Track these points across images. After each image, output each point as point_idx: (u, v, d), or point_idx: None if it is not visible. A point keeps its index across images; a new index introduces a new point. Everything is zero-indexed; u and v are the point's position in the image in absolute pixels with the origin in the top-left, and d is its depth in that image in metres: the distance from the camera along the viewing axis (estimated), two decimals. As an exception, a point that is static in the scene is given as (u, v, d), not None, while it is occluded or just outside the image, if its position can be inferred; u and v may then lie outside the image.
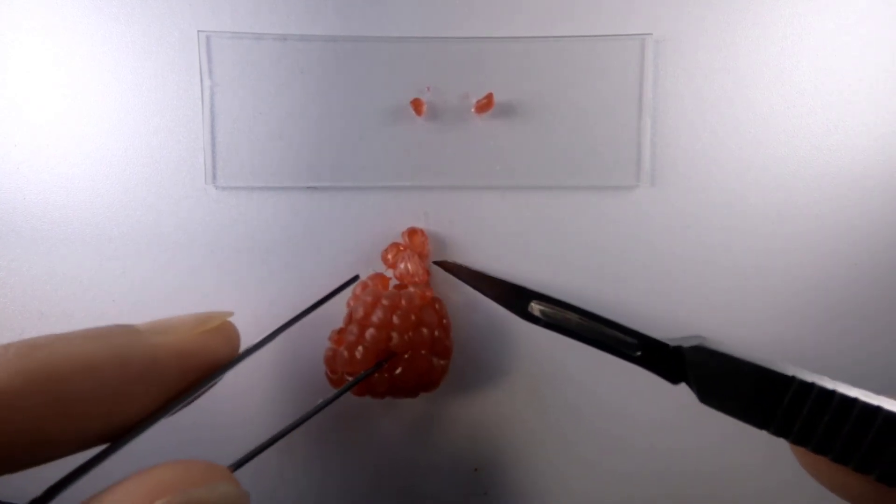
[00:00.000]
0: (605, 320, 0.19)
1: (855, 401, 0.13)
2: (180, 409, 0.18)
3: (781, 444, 0.16)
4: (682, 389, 0.17)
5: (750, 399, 0.15)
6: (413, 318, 0.23)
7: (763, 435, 0.16)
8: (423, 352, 0.23)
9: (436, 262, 0.25)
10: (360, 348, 0.23)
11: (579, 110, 0.26)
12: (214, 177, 0.26)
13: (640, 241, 0.26)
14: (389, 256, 0.26)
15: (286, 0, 0.26)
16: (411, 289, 0.24)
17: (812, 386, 0.14)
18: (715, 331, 0.26)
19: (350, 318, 0.24)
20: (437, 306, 0.24)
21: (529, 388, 0.27)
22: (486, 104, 0.26)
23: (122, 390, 0.16)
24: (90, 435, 0.15)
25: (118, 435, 0.16)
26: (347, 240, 0.26)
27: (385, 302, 0.23)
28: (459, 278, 0.23)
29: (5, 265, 0.26)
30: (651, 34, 0.26)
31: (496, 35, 0.26)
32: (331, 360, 0.24)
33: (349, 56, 0.26)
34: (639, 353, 0.18)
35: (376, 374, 0.23)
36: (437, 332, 0.24)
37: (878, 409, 0.13)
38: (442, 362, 0.24)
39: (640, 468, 0.27)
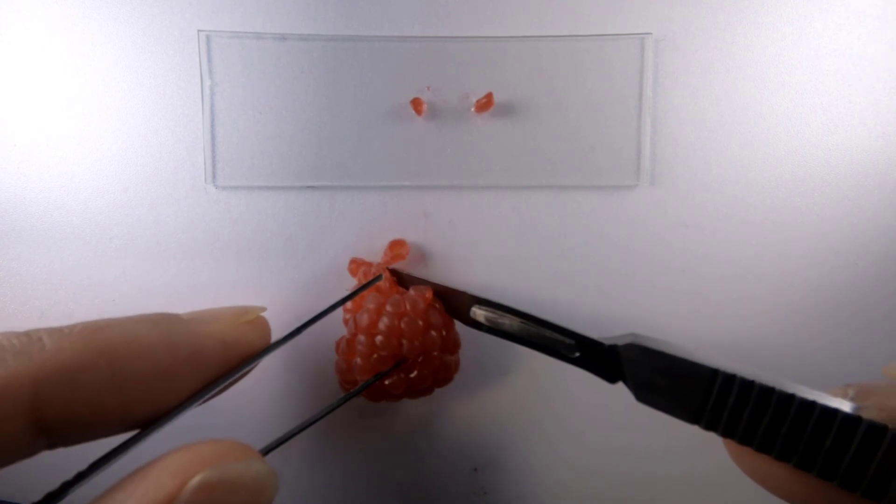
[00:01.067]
0: (544, 322, 0.19)
1: (772, 390, 0.13)
2: (213, 396, 0.18)
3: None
4: None
5: (681, 395, 0.15)
6: (420, 322, 0.23)
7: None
8: (435, 353, 0.23)
9: (389, 269, 0.25)
10: (374, 356, 0.23)
11: (579, 110, 0.26)
12: (214, 176, 0.26)
13: (640, 241, 0.26)
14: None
15: (286, 0, 0.26)
16: (412, 291, 0.24)
17: (734, 378, 0.14)
18: (715, 331, 0.26)
19: (356, 327, 0.24)
20: (437, 305, 0.24)
21: (529, 388, 0.27)
22: (486, 104, 0.26)
23: (170, 373, 0.16)
24: (139, 414, 0.16)
25: (154, 420, 0.17)
26: (347, 240, 0.26)
27: (389, 309, 0.23)
28: (400, 283, 0.23)
29: (5, 265, 0.26)
30: (651, 34, 0.26)
31: (496, 35, 0.26)
32: (344, 370, 0.24)
33: (349, 56, 0.26)
34: (577, 354, 0.18)
35: (393, 378, 0.23)
36: (444, 331, 0.24)
37: (791, 396, 0.13)
38: (453, 357, 0.24)
39: (641, 468, 0.27)
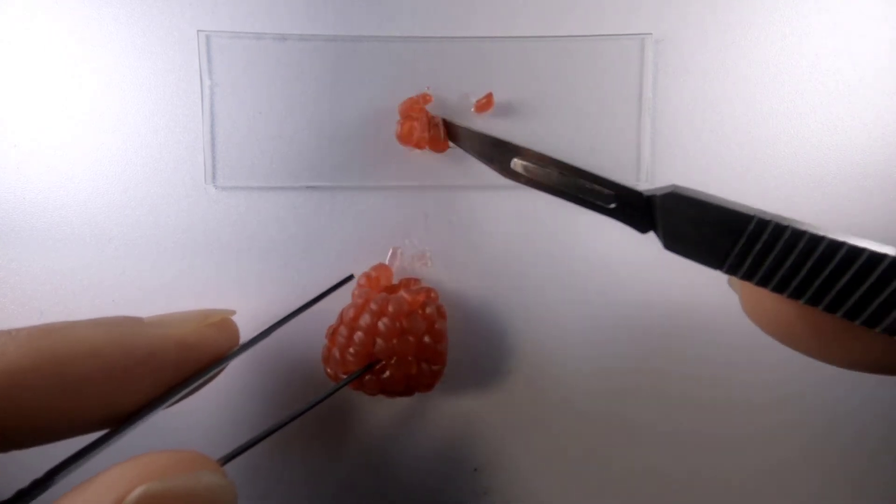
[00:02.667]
0: (584, 172, 0.19)
1: (803, 233, 0.14)
2: (180, 399, 0.18)
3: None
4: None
5: (710, 240, 0.16)
6: (398, 325, 0.23)
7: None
8: (409, 358, 0.23)
9: (444, 119, 0.24)
10: (350, 350, 0.23)
11: (579, 110, 0.26)
12: (214, 176, 0.26)
13: (640, 241, 0.26)
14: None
15: (286, 0, 0.26)
16: (403, 293, 0.24)
17: (767, 223, 0.15)
18: (712, 328, 0.26)
19: (341, 319, 0.24)
20: (426, 311, 0.24)
21: (529, 388, 0.27)
22: (486, 104, 0.26)
23: (123, 376, 0.16)
24: (92, 418, 0.16)
25: (118, 422, 0.16)
26: (347, 240, 0.26)
27: (373, 307, 0.23)
28: (449, 137, 0.23)
29: (5, 265, 0.26)
30: (651, 34, 0.26)
31: (496, 35, 0.26)
32: (326, 358, 0.24)
33: (349, 56, 0.26)
34: (613, 206, 0.19)
35: (367, 376, 0.23)
36: (427, 339, 0.23)
37: (821, 238, 0.14)
38: (434, 368, 0.24)
39: (641, 468, 0.27)
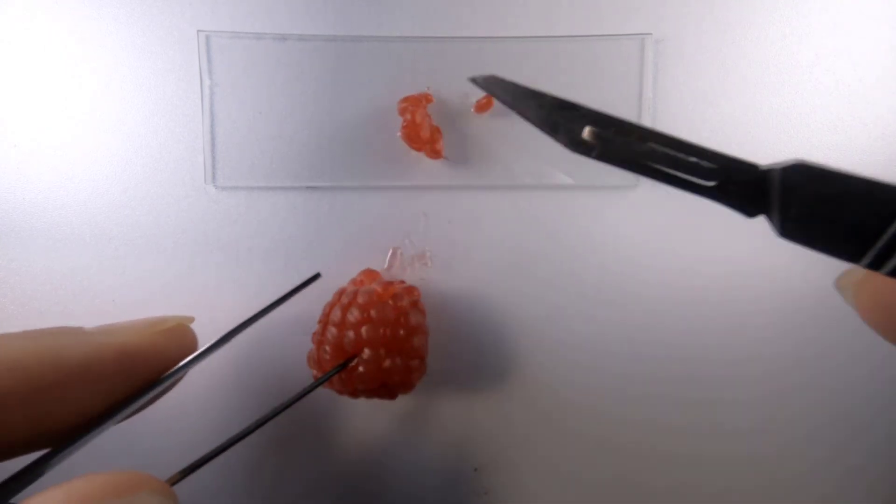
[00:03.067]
0: (678, 142, 0.15)
1: None
2: (132, 413, 0.17)
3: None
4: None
5: (851, 225, 0.13)
6: (366, 314, 0.23)
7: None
8: (381, 350, 0.22)
9: (470, 79, 0.19)
10: (326, 347, 0.23)
11: (579, 110, 0.26)
12: (214, 176, 0.26)
13: (640, 242, 0.26)
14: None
15: (286, 0, 0.26)
16: (374, 285, 0.24)
17: None
18: (712, 329, 0.26)
19: (321, 317, 0.24)
20: (394, 302, 0.23)
21: (530, 388, 0.27)
22: (486, 104, 0.26)
23: (53, 390, 0.15)
24: (20, 436, 0.15)
25: (57, 441, 0.15)
26: (347, 240, 0.26)
27: (344, 300, 0.23)
28: (494, 95, 0.18)
29: (5, 265, 0.26)
30: (651, 34, 0.26)
31: (496, 35, 0.26)
32: (309, 356, 0.24)
33: (349, 56, 0.26)
34: (713, 183, 0.15)
35: (342, 374, 0.23)
36: (402, 332, 0.23)
37: None
38: (411, 363, 0.23)
39: (640, 472, 0.27)
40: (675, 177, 0.15)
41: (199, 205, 0.26)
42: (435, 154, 0.25)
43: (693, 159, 0.15)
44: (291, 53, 0.26)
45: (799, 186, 0.14)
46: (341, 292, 0.24)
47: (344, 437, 0.27)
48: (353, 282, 0.25)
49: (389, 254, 0.26)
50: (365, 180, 0.26)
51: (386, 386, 0.23)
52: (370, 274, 0.26)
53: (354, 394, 0.24)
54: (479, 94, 0.26)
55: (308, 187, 0.26)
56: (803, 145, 0.26)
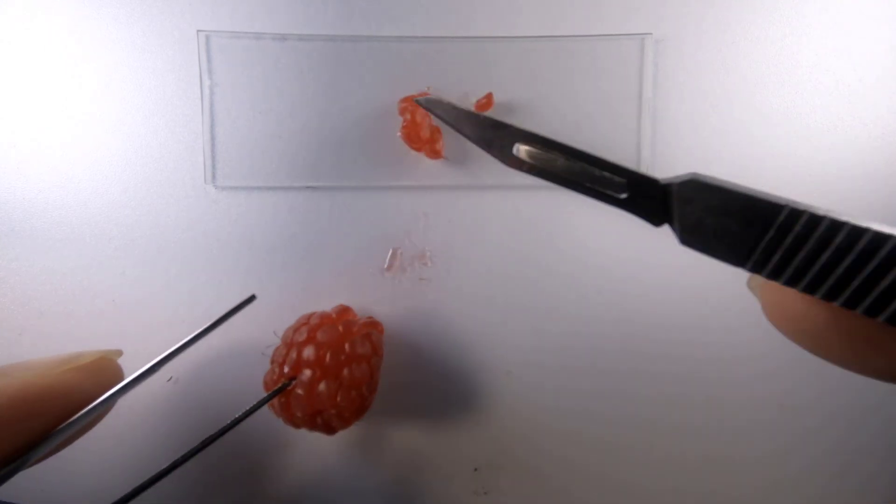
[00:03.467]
0: (594, 158, 0.17)
1: (843, 224, 0.13)
2: (44, 455, 0.17)
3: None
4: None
5: (734, 233, 0.14)
6: (312, 335, 0.22)
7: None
8: (316, 372, 0.22)
9: (415, 100, 0.22)
10: (274, 367, 0.23)
11: (579, 110, 0.26)
12: (214, 176, 0.26)
13: (640, 241, 0.26)
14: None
15: (286, 0, 0.26)
16: (330, 311, 0.24)
17: (801, 213, 0.13)
18: (712, 328, 0.26)
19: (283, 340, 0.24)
20: (344, 328, 0.23)
21: (530, 388, 0.27)
22: (485, 104, 0.26)
23: None
24: None
25: None
26: (347, 240, 0.26)
27: (302, 320, 0.23)
28: (436, 115, 0.20)
29: (5, 265, 0.26)
30: (651, 34, 0.26)
31: (496, 35, 0.26)
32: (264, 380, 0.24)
33: (349, 56, 0.26)
34: (624, 196, 0.17)
35: (281, 398, 0.22)
36: (342, 357, 0.22)
37: (865, 230, 0.12)
38: (350, 393, 0.22)
39: (640, 473, 0.27)
40: (593, 189, 0.17)
41: (199, 205, 0.26)
42: (435, 154, 0.25)
43: (607, 174, 0.17)
44: (291, 53, 0.26)
45: (692, 199, 0.15)
46: (310, 315, 0.24)
47: (343, 436, 0.27)
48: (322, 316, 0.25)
49: (389, 254, 0.26)
50: (365, 180, 0.26)
51: (321, 415, 0.22)
52: (343, 309, 0.25)
53: (294, 421, 0.23)
54: (479, 93, 0.26)
55: (308, 187, 0.26)
56: (803, 145, 0.26)
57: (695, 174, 0.15)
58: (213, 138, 0.26)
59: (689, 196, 0.15)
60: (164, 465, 0.19)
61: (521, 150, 0.18)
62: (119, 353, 0.19)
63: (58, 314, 0.26)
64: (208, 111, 0.26)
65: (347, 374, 0.22)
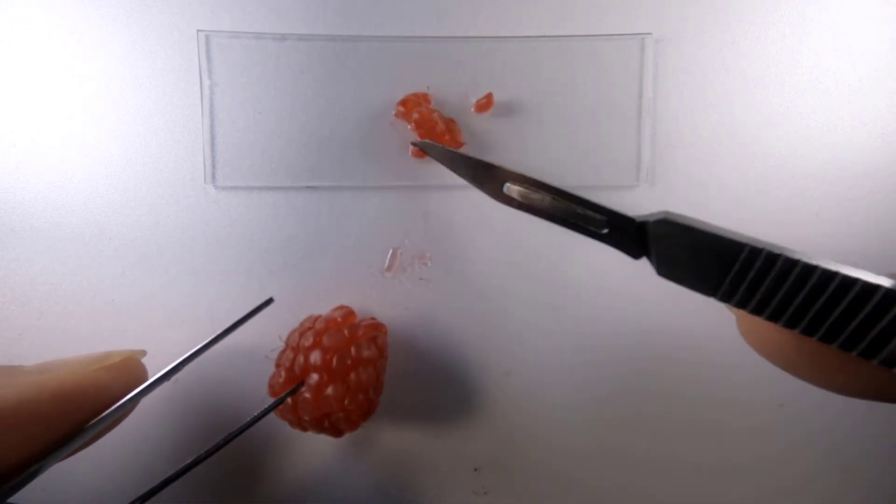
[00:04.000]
0: (576, 198, 0.19)
1: (796, 262, 0.14)
2: (75, 450, 0.17)
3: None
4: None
5: (704, 268, 0.16)
6: (318, 340, 0.22)
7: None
8: (324, 377, 0.22)
9: (412, 143, 0.24)
10: (281, 371, 0.23)
11: (579, 110, 0.26)
12: (214, 176, 0.26)
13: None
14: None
15: (286, 0, 0.26)
16: (335, 313, 0.24)
17: (760, 251, 0.15)
18: (713, 327, 0.26)
19: (288, 342, 0.24)
20: (349, 332, 0.23)
21: (529, 388, 0.27)
22: (485, 104, 0.26)
23: None
24: None
25: (1, 479, 0.15)
26: (347, 240, 0.26)
27: (306, 325, 0.23)
28: (434, 158, 0.22)
29: (5, 265, 0.26)
30: (651, 34, 0.26)
31: (496, 35, 0.26)
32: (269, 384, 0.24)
33: (349, 56, 0.26)
34: (605, 231, 0.18)
35: (290, 402, 0.22)
36: (348, 361, 0.22)
37: (815, 267, 0.14)
38: (358, 396, 0.22)
39: (640, 473, 0.27)
40: (577, 225, 0.19)
41: (199, 205, 0.26)
42: (457, 145, 0.25)
43: (589, 212, 0.18)
44: (291, 53, 0.26)
45: (665, 237, 0.16)
46: (315, 318, 0.24)
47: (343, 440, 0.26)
48: (327, 320, 0.25)
49: (389, 254, 0.26)
50: (365, 180, 0.26)
51: (328, 418, 0.23)
52: (347, 311, 0.25)
53: (301, 424, 0.23)
54: (479, 93, 0.26)
55: (308, 187, 0.26)
56: (803, 145, 0.26)
57: (667, 213, 0.17)
58: (213, 138, 0.26)
59: (661, 234, 0.16)
60: (167, 467, 0.19)
61: (512, 189, 0.20)
62: (143, 352, 0.20)
63: (58, 314, 0.26)
64: (208, 111, 0.26)
65: (354, 377, 0.22)
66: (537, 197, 0.19)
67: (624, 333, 0.27)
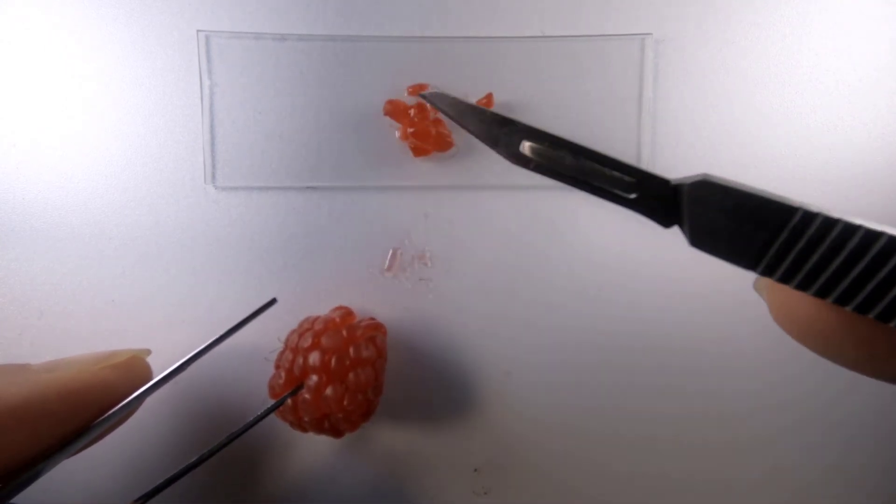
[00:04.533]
0: (603, 157, 0.16)
1: (857, 228, 0.13)
2: (82, 447, 0.17)
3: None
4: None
5: (746, 235, 0.14)
6: (317, 340, 0.22)
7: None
8: (323, 377, 0.22)
9: (420, 95, 0.21)
10: (280, 373, 0.23)
11: (579, 110, 0.26)
12: (214, 177, 0.26)
13: (640, 241, 0.26)
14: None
15: (286, 0, 0.26)
16: (333, 314, 0.24)
17: (815, 216, 0.13)
18: (713, 327, 0.26)
19: (286, 343, 0.24)
20: (348, 332, 0.23)
21: (529, 388, 0.27)
22: (485, 104, 0.26)
23: None
24: None
25: (3, 478, 0.15)
26: (347, 240, 0.26)
27: (305, 326, 0.23)
28: (441, 110, 0.19)
29: (5, 265, 0.26)
30: (651, 34, 0.26)
31: (496, 35, 0.26)
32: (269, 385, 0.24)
33: (349, 56, 0.26)
34: (633, 196, 0.16)
35: (290, 403, 0.22)
36: (347, 362, 0.22)
37: (879, 234, 0.12)
38: (357, 396, 0.22)
39: (640, 473, 0.27)
40: (602, 189, 0.17)
41: (199, 205, 0.26)
42: (447, 145, 0.25)
43: (616, 173, 0.16)
44: (291, 53, 0.26)
45: (703, 200, 0.15)
46: (313, 319, 0.24)
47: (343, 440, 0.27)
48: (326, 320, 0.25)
49: (389, 254, 0.26)
50: (365, 180, 0.26)
51: (328, 418, 0.23)
52: (345, 312, 0.25)
53: (301, 425, 0.23)
54: (479, 94, 0.26)
55: (308, 187, 0.26)
56: (803, 145, 0.26)
57: (706, 175, 0.15)
58: (213, 138, 0.26)
59: (700, 197, 0.15)
60: (166, 467, 0.19)
61: (528, 147, 0.17)
62: (148, 352, 0.21)
63: (58, 314, 0.26)
64: (208, 111, 0.26)
65: (353, 378, 0.22)
66: (558, 156, 0.17)
67: (625, 333, 0.27)
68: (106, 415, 0.18)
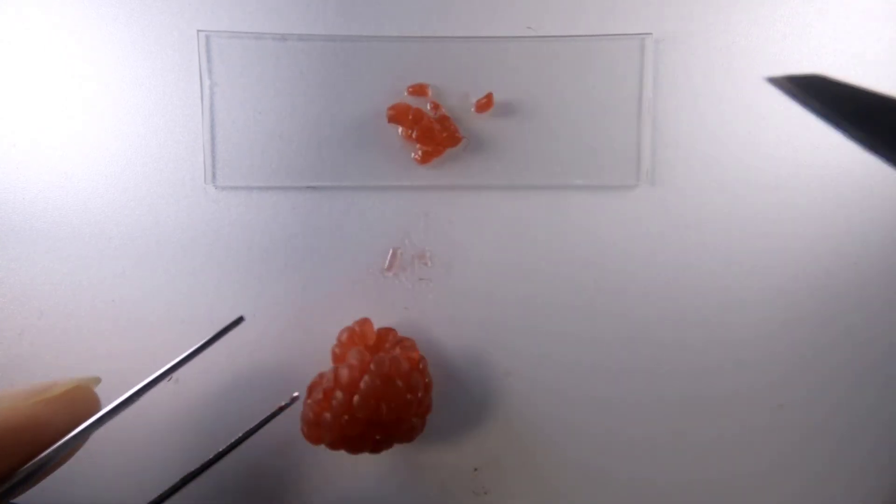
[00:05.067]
0: None
1: None
2: (20, 491, 0.16)
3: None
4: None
5: None
6: (400, 384, 0.23)
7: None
8: (407, 418, 0.23)
9: (767, 78, 0.17)
10: (345, 416, 0.22)
11: (579, 110, 0.26)
12: (214, 176, 0.26)
13: (640, 241, 0.26)
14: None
15: (286, 0, 0.26)
16: (398, 351, 0.24)
17: None
18: (713, 329, 0.26)
19: (335, 381, 0.23)
20: (421, 366, 0.24)
21: (530, 388, 0.27)
22: (485, 104, 0.26)
23: None
24: None
25: None
26: (347, 240, 0.26)
27: (373, 367, 0.23)
28: (798, 100, 0.15)
29: (5, 265, 0.26)
30: (651, 34, 0.26)
31: (496, 35, 0.26)
32: (311, 421, 0.23)
33: (349, 56, 0.26)
34: None
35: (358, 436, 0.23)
36: (420, 394, 0.23)
37: None
38: (420, 420, 0.24)
39: (640, 473, 0.27)
40: None
41: (199, 205, 0.26)
42: (455, 141, 0.25)
43: None
44: (291, 53, 0.26)
45: None
46: (363, 357, 0.23)
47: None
48: (351, 331, 0.25)
49: (389, 254, 0.26)
50: (365, 180, 0.26)
51: (394, 440, 0.24)
52: (366, 324, 0.25)
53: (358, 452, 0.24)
54: (479, 94, 0.26)
55: (308, 187, 0.26)
56: (803, 145, 0.26)
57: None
58: (213, 138, 0.26)
59: None
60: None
61: None
62: (97, 380, 0.18)
63: (58, 314, 0.26)
64: (208, 111, 0.26)
65: (414, 421, 0.24)
66: None
67: (625, 333, 0.27)
68: (40, 456, 0.16)
